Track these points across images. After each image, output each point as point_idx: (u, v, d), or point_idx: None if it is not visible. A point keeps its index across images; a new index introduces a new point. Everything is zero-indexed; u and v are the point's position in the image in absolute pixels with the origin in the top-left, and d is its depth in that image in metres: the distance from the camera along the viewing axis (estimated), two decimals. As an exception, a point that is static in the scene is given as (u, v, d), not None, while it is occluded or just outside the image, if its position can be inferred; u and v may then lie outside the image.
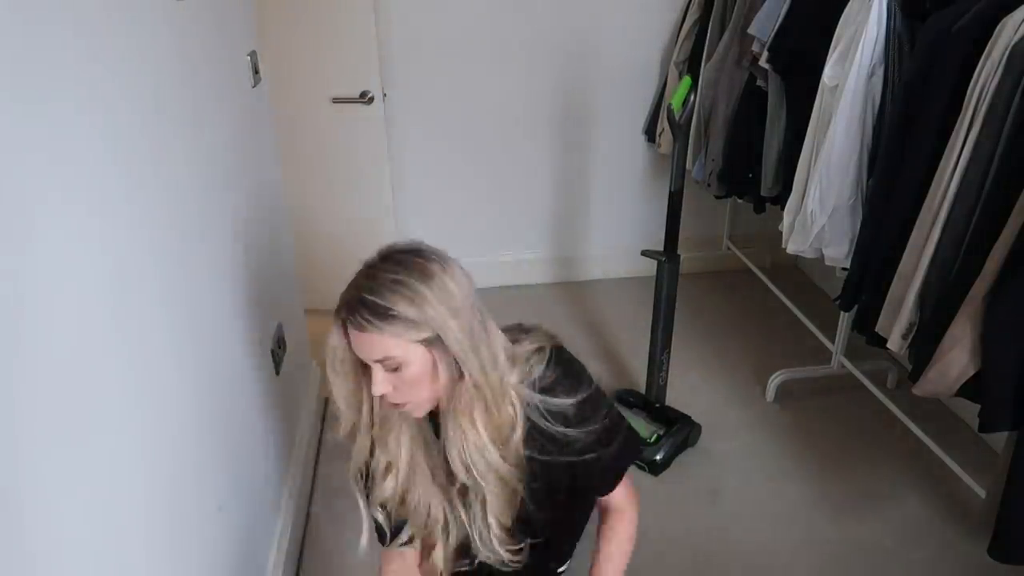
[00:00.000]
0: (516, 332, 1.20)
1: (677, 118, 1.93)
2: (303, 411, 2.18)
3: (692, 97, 1.98)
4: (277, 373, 1.84)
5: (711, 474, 2.14)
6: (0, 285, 0.73)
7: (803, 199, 1.95)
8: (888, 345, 1.69)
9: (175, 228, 1.22)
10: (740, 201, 2.63)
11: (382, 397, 1.08)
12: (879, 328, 1.72)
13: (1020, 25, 1.37)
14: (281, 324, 1.91)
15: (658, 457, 2.12)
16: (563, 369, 1.18)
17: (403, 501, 1.21)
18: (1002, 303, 1.35)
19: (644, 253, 2.23)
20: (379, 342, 1.01)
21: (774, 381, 2.44)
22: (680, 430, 2.20)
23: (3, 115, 0.75)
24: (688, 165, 2.73)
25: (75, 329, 0.88)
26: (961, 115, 1.48)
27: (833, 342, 2.38)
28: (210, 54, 1.50)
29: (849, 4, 1.81)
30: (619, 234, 3.22)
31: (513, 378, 1.12)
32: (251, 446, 1.62)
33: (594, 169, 3.09)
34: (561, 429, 1.14)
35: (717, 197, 2.70)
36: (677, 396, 2.38)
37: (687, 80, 1.94)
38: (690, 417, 2.26)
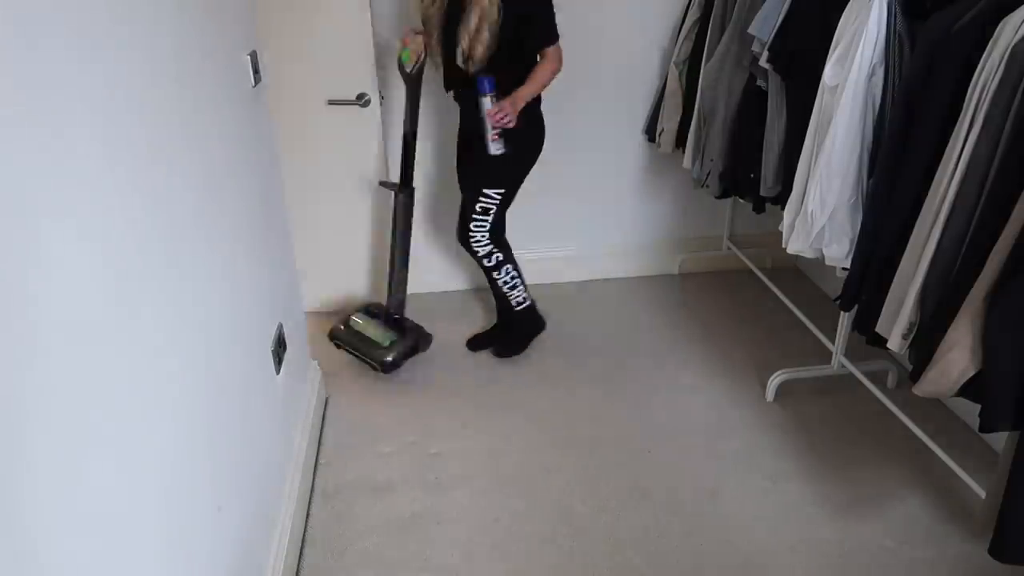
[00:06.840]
0: None
1: (409, 70, 2.31)
2: (303, 411, 2.18)
3: (423, 56, 2.33)
4: (277, 373, 1.84)
5: (711, 474, 2.15)
6: (1, 285, 0.73)
7: (803, 199, 1.95)
8: (888, 345, 1.69)
9: (175, 228, 1.22)
10: (740, 201, 2.63)
11: None
12: (879, 328, 1.72)
13: (1020, 25, 1.37)
14: (281, 324, 1.91)
15: (389, 358, 2.47)
16: None
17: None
18: (1003, 303, 1.36)
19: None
20: None
21: (774, 381, 2.44)
22: (410, 336, 2.54)
23: (3, 116, 0.75)
24: (687, 165, 2.74)
25: (74, 329, 0.88)
26: (961, 115, 1.48)
27: (833, 342, 2.38)
28: (210, 54, 1.50)
29: (849, 4, 1.81)
30: (618, 233, 3.22)
31: None
32: (251, 446, 1.62)
33: (594, 169, 3.08)
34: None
35: (716, 197, 2.70)
36: (677, 396, 2.39)
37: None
38: (423, 327, 2.62)
